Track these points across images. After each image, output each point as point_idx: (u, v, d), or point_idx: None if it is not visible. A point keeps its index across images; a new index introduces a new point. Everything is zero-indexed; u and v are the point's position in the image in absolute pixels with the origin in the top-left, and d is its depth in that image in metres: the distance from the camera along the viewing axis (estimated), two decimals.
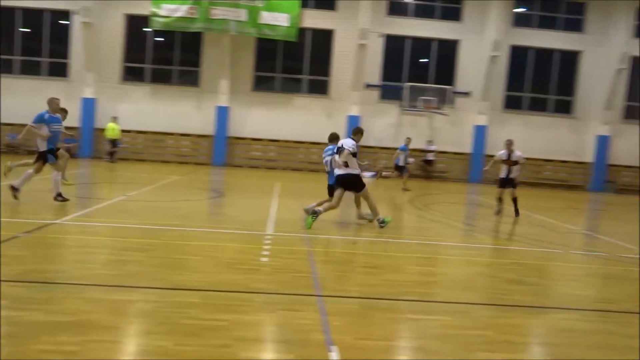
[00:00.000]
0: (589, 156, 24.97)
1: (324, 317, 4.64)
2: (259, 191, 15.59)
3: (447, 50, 24.79)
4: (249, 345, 3.98)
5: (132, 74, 24.14)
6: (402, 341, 4.34)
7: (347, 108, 24.02)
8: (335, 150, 9.91)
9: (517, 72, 25.05)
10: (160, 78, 24.23)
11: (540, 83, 25.27)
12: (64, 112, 11.17)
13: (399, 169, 18.55)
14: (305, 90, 24.74)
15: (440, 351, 4.17)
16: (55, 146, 9.89)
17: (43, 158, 9.70)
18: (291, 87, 24.74)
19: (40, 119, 9.60)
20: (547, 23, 24.80)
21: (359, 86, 23.90)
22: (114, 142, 22.43)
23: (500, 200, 12.81)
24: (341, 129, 24.08)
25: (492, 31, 23.45)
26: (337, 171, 9.67)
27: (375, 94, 24.58)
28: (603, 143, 24.69)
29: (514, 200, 12.59)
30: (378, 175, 22.89)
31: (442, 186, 21.57)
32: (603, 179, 24.92)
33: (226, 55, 23.47)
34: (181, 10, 22.62)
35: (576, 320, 5.24)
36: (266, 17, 22.90)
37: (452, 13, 24.53)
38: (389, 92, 24.64)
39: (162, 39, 24.30)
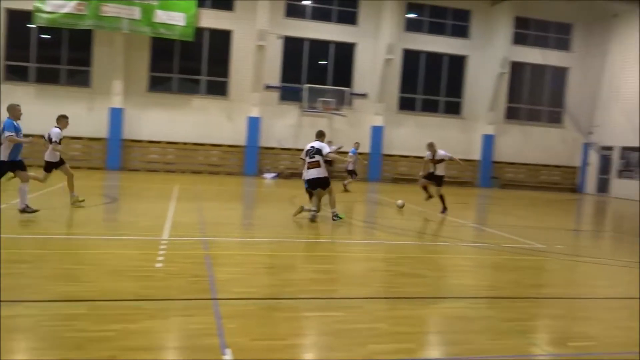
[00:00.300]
0: (476, 154, 26.59)
1: (218, 320, 4.58)
2: (156, 195, 15.09)
3: (345, 52, 25.39)
4: (136, 354, 3.83)
5: (14, 73, 22.43)
6: (297, 339, 4.39)
7: (247, 109, 23.88)
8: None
9: (410, 74, 26.18)
10: (47, 78, 22.70)
11: (431, 85, 26.58)
12: (65, 119, 10.98)
13: (350, 173, 19.45)
14: (204, 92, 24.29)
15: (333, 346, 4.26)
16: (19, 156, 9.28)
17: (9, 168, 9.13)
18: (189, 88, 24.17)
19: (12, 127, 8.99)
20: (436, 29, 26.14)
21: (258, 87, 23.85)
22: None
23: (425, 188, 13.98)
24: (242, 130, 23.95)
25: (386, 35, 24.32)
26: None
27: (275, 95, 24.64)
28: (488, 142, 26.42)
29: (441, 197, 13.55)
30: (279, 176, 23.05)
31: (341, 186, 22.01)
32: (489, 175, 26.67)
33: (119, 54, 22.49)
34: (68, 7, 21.32)
35: (463, 308, 5.56)
36: (161, 16, 22.20)
37: (348, 17, 25.15)
38: (288, 94, 24.82)
39: (49, 36, 22.81)
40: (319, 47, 25.22)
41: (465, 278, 7.19)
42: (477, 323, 5.08)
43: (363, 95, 25.30)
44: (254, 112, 23.89)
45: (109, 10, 21.64)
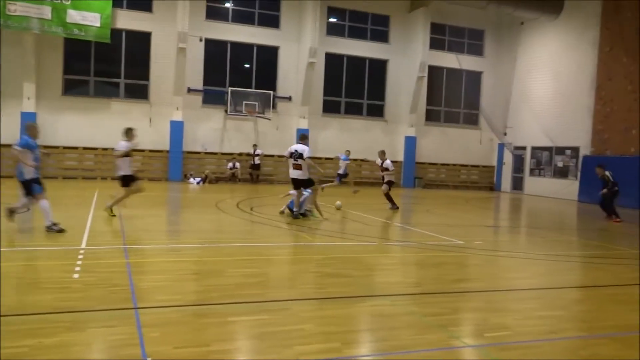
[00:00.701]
0: (399, 155, 27.33)
1: (140, 330, 4.44)
2: (75, 203, 14.40)
3: (268, 56, 25.35)
4: None
5: None
6: (222, 344, 4.32)
7: (170, 113, 23.30)
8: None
9: (334, 78, 26.54)
10: None
11: (354, 89, 27.07)
12: (132, 132, 11.29)
13: (341, 177, 20.58)
14: (123, 95, 23.48)
15: (259, 350, 4.25)
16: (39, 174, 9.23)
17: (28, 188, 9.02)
18: (108, 91, 23.26)
19: (27, 145, 8.97)
20: (357, 33, 26.64)
21: (181, 91, 23.34)
22: None
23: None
24: (165, 134, 23.33)
25: (308, 39, 24.49)
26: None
27: (198, 98, 24.21)
28: (411, 143, 27.24)
29: (388, 196, 15.56)
30: (205, 181, 22.64)
31: (269, 189, 21.97)
32: (412, 175, 27.48)
33: (30, 56, 21.29)
34: None
35: (388, 306, 5.68)
36: (74, 16, 21.23)
37: (270, 20, 25.14)
38: (212, 97, 24.47)
39: None
40: (242, 50, 25.04)
41: (390, 276, 7.36)
42: (401, 319, 5.22)
43: (287, 99, 25.37)
44: (177, 116, 23.35)
45: (17, 9, 20.45)
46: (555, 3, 24.91)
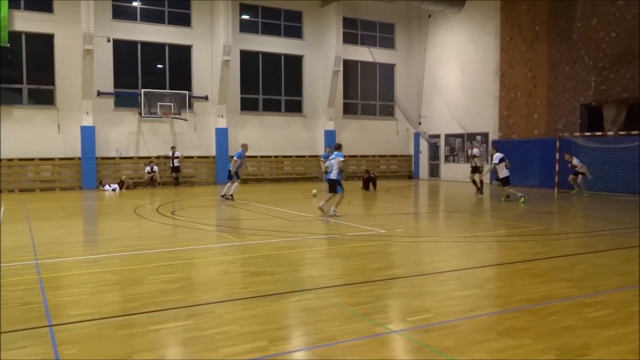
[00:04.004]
0: (320, 150, 27.52)
1: (55, 348, 4.22)
2: None
3: (181, 55, 24.75)
4: None
5: None
6: (143, 355, 4.18)
7: (79, 118, 22.22)
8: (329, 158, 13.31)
9: (250, 75, 26.33)
10: None
11: (271, 85, 26.98)
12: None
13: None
14: (27, 101, 22.11)
15: (182, 356, 4.16)
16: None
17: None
18: (9, 98, 21.73)
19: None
20: (271, 29, 26.57)
21: (90, 94, 22.28)
22: None
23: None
24: (75, 141, 22.23)
25: (221, 37, 24.10)
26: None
27: (109, 102, 23.24)
28: (330, 137, 27.50)
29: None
30: (121, 187, 21.79)
31: (191, 191, 21.53)
32: None
33: None
34: None
35: (313, 299, 5.73)
36: None
37: (181, 18, 24.54)
38: (124, 100, 23.58)
39: None
40: (154, 50, 24.28)
41: (314, 270, 7.43)
42: (326, 312, 5.28)
43: (204, 98, 24.90)
44: (87, 121, 22.30)
45: None
46: None
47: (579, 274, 6.95)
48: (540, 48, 22.62)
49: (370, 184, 21.56)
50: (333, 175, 12.96)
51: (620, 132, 19.05)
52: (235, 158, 17.12)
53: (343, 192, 13.02)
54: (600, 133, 19.42)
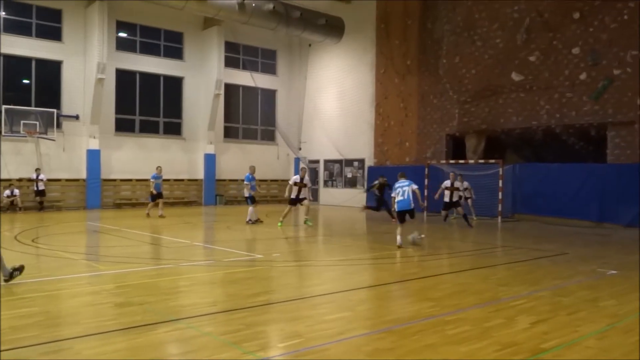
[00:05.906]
0: (200, 173, 27.05)
1: None
2: None
3: (50, 70, 23.19)
4: None
5: None
6: None
7: None
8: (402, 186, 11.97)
9: (126, 95, 25.29)
10: None
11: (149, 106, 26.10)
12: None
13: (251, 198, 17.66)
14: None
15: None
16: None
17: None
18: None
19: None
20: (149, 49, 25.81)
21: None
22: None
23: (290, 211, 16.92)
24: None
25: (95, 53, 22.93)
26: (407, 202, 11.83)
27: None
28: (210, 161, 27.14)
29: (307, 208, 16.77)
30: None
31: (56, 216, 20.03)
32: (214, 193, 27.37)
33: None
34: None
35: (182, 329, 5.51)
36: None
37: (51, 32, 23.06)
38: None
39: None
40: (20, 64, 22.54)
41: (186, 298, 7.19)
42: (195, 342, 5.12)
43: (74, 117, 23.46)
44: None
45: None
46: (336, 28, 27.03)
47: (442, 293, 7.39)
48: (411, 81, 24.17)
49: None
50: (412, 204, 11.93)
51: (480, 160, 20.78)
52: (245, 182, 17.38)
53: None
54: (463, 161, 21.08)
